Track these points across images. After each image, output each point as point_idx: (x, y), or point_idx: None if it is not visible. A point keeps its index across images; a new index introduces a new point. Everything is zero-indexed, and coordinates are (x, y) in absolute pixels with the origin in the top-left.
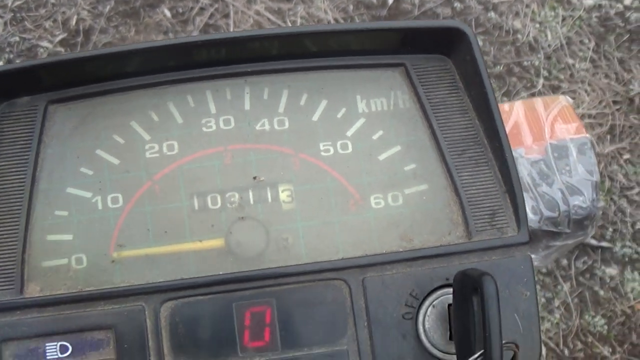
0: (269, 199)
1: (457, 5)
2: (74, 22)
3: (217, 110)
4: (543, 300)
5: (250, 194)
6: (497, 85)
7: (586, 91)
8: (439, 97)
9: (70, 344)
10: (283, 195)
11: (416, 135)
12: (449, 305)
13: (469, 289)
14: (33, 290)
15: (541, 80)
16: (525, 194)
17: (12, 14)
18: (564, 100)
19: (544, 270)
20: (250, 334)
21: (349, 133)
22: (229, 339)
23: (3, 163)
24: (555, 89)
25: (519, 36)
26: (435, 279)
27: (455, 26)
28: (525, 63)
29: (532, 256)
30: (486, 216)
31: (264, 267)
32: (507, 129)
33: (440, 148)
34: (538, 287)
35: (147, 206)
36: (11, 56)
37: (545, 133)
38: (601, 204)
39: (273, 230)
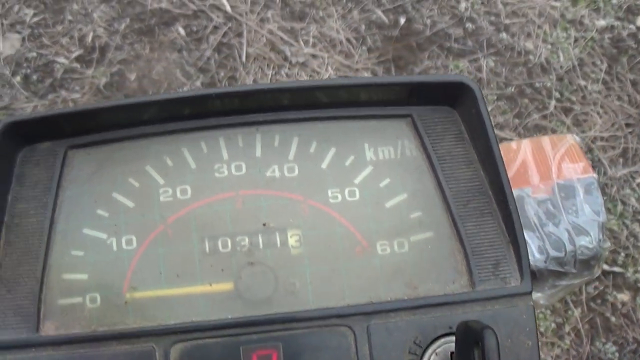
0: (278, 244)
1: (469, 26)
2: (90, 39)
3: (229, 156)
4: (553, 325)
5: (260, 238)
6: (509, 107)
7: (598, 113)
8: (445, 147)
9: None
10: (292, 241)
11: (422, 183)
12: (452, 353)
13: (471, 341)
14: (49, 329)
15: (553, 102)
16: (531, 234)
17: (30, 30)
18: (571, 139)
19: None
20: None
21: (357, 180)
22: None
23: (24, 205)
24: (567, 111)
25: (531, 57)
26: (438, 327)
27: (460, 81)
28: (537, 84)
29: (538, 294)
30: (490, 266)
31: (271, 312)
32: (515, 168)
33: (446, 198)
34: (548, 312)
35: (160, 248)
36: (28, 71)
37: (553, 172)
38: (607, 244)
39: (281, 275)
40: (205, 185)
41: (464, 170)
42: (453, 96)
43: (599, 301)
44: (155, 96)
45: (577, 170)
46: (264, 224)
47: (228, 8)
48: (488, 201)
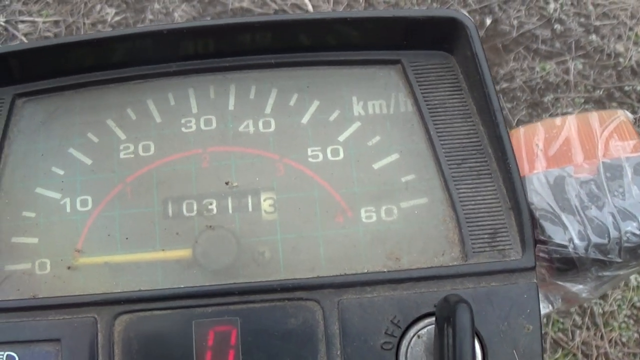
0: (250, 208)
1: (558, 27)
2: None
3: (198, 109)
4: (636, 335)
5: (229, 201)
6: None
7: None
8: (439, 98)
9: (17, 355)
10: (265, 205)
11: (414, 141)
12: None
13: (445, 318)
14: None
15: None
16: (571, 217)
17: (111, 29)
18: (622, 115)
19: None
20: (212, 355)
21: (341, 138)
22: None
23: None
24: None
25: (621, 60)
26: (422, 305)
27: (450, 16)
28: (626, 88)
29: (580, 287)
30: (486, 236)
31: (230, 282)
32: (557, 146)
33: (437, 156)
34: (631, 321)
35: (116, 210)
36: None
37: (599, 150)
38: None
39: (247, 242)
40: (170, 141)
41: (460, 124)
42: (447, 38)
43: None
44: (115, 32)
45: (626, 149)
46: (227, 183)
47: (310, 7)
48: (487, 160)
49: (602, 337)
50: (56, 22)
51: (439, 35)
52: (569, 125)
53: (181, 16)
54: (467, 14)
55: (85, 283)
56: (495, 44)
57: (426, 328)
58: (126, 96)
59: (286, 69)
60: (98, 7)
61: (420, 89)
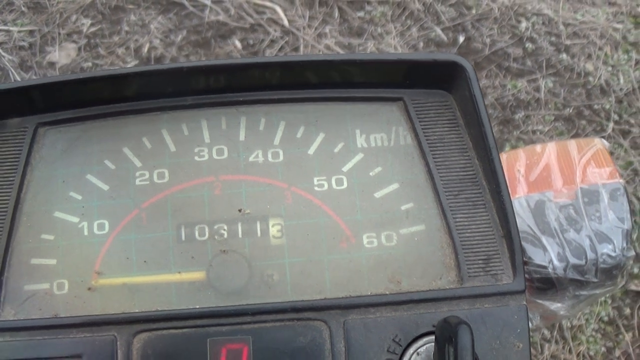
0: (258, 233)
1: (529, 45)
2: (145, 49)
3: (211, 139)
4: (603, 349)
5: (240, 227)
6: (566, 128)
7: None
8: (438, 133)
9: None
10: (273, 230)
11: (414, 172)
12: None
13: (446, 338)
14: (7, 314)
15: (611, 124)
16: (551, 240)
17: (87, 40)
18: (599, 144)
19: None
20: None
21: (345, 168)
22: None
23: None
24: (625, 134)
25: (591, 79)
26: (421, 325)
27: (452, 60)
28: (595, 106)
29: (558, 305)
30: (480, 261)
31: (243, 303)
32: (538, 171)
33: (436, 187)
34: (599, 335)
35: (133, 234)
36: None
37: (577, 177)
38: (632, 253)
39: (257, 265)
40: (184, 170)
41: (457, 158)
42: (447, 78)
43: None
44: (134, 68)
45: (602, 175)
46: (240, 210)
47: (286, 22)
48: (481, 192)
49: (570, 351)
50: (31, 32)
51: (439, 76)
52: (549, 152)
53: (157, 28)
54: (466, 60)
55: (104, 303)
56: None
57: (425, 346)
58: (142, 126)
59: (294, 104)
60: (74, 17)
61: (420, 125)
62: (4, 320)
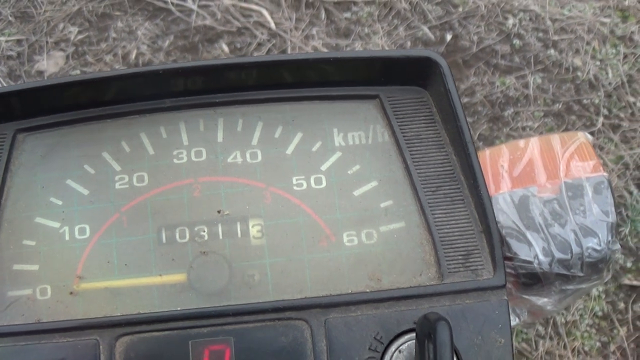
0: (239, 234)
1: (517, 42)
2: (133, 56)
3: (189, 141)
4: (598, 344)
5: (220, 228)
6: (556, 124)
7: None
8: (414, 130)
9: None
10: (253, 231)
11: (392, 170)
12: None
13: (426, 335)
14: None
15: (601, 119)
16: (536, 235)
17: (75, 48)
18: (582, 137)
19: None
20: None
21: (324, 167)
22: None
23: None
24: (615, 128)
25: (579, 74)
26: (402, 322)
27: (426, 56)
28: (584, 101)
29: (545, 300)
30: (460, 257)
31: (224, 304)
32: (521, 167)
33: (414, 184)
34: (594, 330)
35: (114, 238)
36: None
37: (561, 171)
38: (617, 246)
39: (238, 266)
40: (163, 172)
41: (434, 154)
42: (422, 75)
43: None
44: (109, 72)
45: (586, 169)
46: (219, 211)
47: (272, 25)
48: (459, 187)
49: (565, 347)
50: (19, 41)
51: (414, 73)
52: (532, 147)
53: (144, 34)
54: (439, 54)
55: (86, 307)
56: (455, 60)
57: (407, 343)
58: (121, 130)
59: (271, 104)
60: (61, 25)
61: (397, 121)
62: None
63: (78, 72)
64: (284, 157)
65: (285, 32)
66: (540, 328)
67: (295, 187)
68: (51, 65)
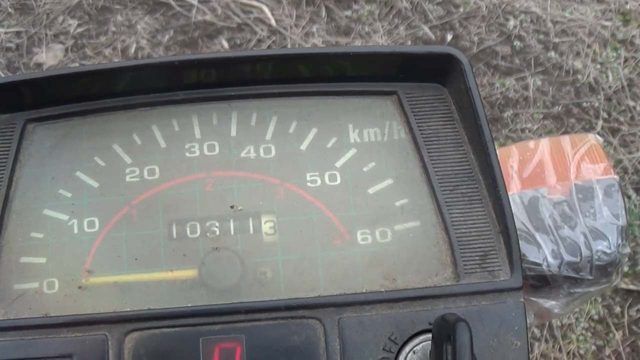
0: (251, 230)
1: (517, 44)
2: (132, 50)
3: (202, 135)
4: (594, 348)
5: (232, 224)
6: (555, 126)
7: None
8: (433, 127)
9: None
10: (266, 227)
11: (408, 167)
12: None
13: (444, 336)
14: None
15: (600, 122)
16: (545, 237)
17: (74, 41)
18: (593, 139)
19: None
20: None
21: (338, 164)
22: None
23: None
24: (614, 131)
25: (579, 77)
26: (417, 322)
27: (447, 52)
28: (584, 104)
29: (552, 302)
30: (477, 257)
31: (236, 301)
32: (531, 168)
33: (431, 182)
34: (589, 334)
35: (123, 232)
36: None
37: (571, 173)
38: (627, 250)
39: (250, 262)
40: (175, 166)
41: (452, 153)
42: (442, 71)
43: None
44: (122, 63)
45: (597, 171)
46: (232, 207)
47: (273, 22)
48: (477, 186)
49: (560, 350)
50: (18, 33)
51: (434, 69)
52: (542, 148)
53: (144, 28)
54: (461, 52)
55: (95, 302)
56: None
57: (421, 344)
58: (132, 122)
59: (286, 98)
60: (60, 18)
61: (415, 119)
62: None
63: (77, 65)
64: (298, 152)
65: (285, 29)
66: (536, 330)
67: (309, 184)
68: (50, 58)
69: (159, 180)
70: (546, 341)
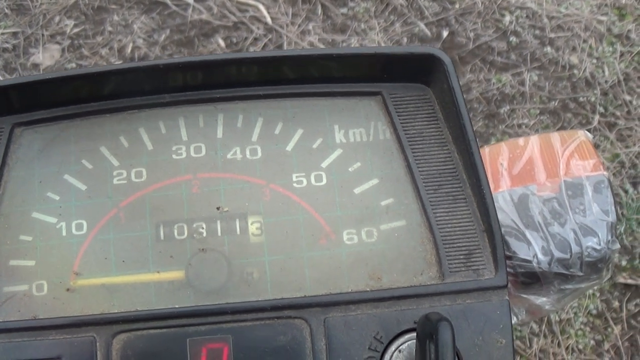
0: (237, 231)
1: (513, 39)
2: (129, 49)
3: (188, 137)
4: (592, 342)
5: (218, 225)
6: (552, 122)
7: None
8: (417, 127)
9: None
10: (252, 228)
11: (393, 168)
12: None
13: (427, 335)
14: None
15: (597, 117)
16: (535, 234)
17: (70, 41)
18: (582, 136)
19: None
20: None
21: (324, 164)
22: None
23: None
24: (611, 126)
25: (576, 71)
26: (402, 321)
27: (430, 52)
28: (581, 99)
29: (543, 299)
30: (461, 256)
31: (222, 302)
32: (520, 165)
33: (416, 182)
34: (588, 328)
35: (111, 234)
36: None
37: (560, 170)
38: (617, 246)
39: (237, 263)
40: (162, 168)
41: (436, 152)
42: (425, 72)
43: (639, 318)
44: (108, 66)
45: (586, 168)
46: (218, 208)
47: (269, 20)
48: (461, 186)
49: (559, 345)
50: (14, 34)
51: (418, 70)
52: (532, 145)
53: (140, 28)
54: (444, 52)
55: (83, 304)
56: (452, 56)
57: (407, 343)
58: (120, 125)
59: (272, 100)
60: (57, 18)
61: (399, 119)
62: None
63: (74, 65)
64: (284, 153)
65: (281, 27)
66: (535, 326)
67: (295, 184)
68: (47, 58)
69: (146, 182)
70: (545, 336)
